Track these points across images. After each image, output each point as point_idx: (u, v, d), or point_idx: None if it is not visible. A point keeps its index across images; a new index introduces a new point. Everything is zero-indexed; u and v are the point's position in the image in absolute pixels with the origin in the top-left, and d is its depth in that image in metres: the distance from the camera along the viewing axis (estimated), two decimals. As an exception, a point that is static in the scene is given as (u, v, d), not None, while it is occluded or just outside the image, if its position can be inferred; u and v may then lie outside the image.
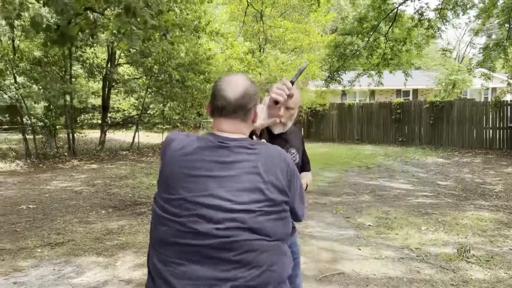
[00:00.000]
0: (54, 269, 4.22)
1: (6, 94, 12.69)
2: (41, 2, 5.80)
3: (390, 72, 14.86)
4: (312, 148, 16.41)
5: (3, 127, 15.47)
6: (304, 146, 2.45)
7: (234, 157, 1.36)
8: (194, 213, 1.31)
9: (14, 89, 11.96)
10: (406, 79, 15.41)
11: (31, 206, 6.97)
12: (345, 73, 14.07)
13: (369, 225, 5.74)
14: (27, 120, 12.98)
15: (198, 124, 18.83)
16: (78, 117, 16.24)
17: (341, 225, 5.79)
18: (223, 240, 1.29)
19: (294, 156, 2.27)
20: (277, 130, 2.21)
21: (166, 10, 7.51)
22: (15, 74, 12.07)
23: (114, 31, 9.07)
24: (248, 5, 12.63)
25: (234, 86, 1.42)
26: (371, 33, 12.29)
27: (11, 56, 11.99)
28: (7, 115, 17.05)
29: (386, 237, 5.18)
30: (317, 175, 9.92)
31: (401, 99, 19.19)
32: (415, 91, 27.75)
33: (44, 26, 5.75)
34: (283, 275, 1.39)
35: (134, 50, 12.88)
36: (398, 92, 27.48)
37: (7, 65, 12.03)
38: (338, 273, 4.08)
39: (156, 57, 12.52)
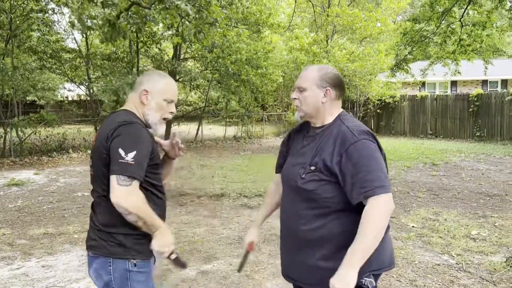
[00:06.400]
0: (82, 255, 4.40)
1: (80, 87, 13.63)
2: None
3: (468, 60, 13.58)
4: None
5: (77, 119, 16.73)
6: None
7: None
8: None
9: (87, 83, 12.81)
10: (486, 68, 13.98)
11: (85, 194, 7.40)
12: (414, 62, 13.11)
13: (413, 226, 5.27)
14: (98, 112, 13.88)
15: (261, 118, 18.83)
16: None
17: (382, 225, 5.38)
18: None
19: None
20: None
21: (213, 3, 7.51)
22: (88, 69, 12.92)
23: (168, 26, 9.27)
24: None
25: None
26: (443, 17, 11.27)
27: (85, 52, 12.85)
28: (81, 109, 18.43)
29: (427, 240, 4.72)
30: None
31: (480, 90, 17.46)
32: (504, 82, 25.08)
33: (88, 25, 6.05)
34: None
35: (196, 45, 13.16)
36: (484, 82, 24.97)
37: (81, 60, 12.90)
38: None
39: (217, 52, 12.67)
